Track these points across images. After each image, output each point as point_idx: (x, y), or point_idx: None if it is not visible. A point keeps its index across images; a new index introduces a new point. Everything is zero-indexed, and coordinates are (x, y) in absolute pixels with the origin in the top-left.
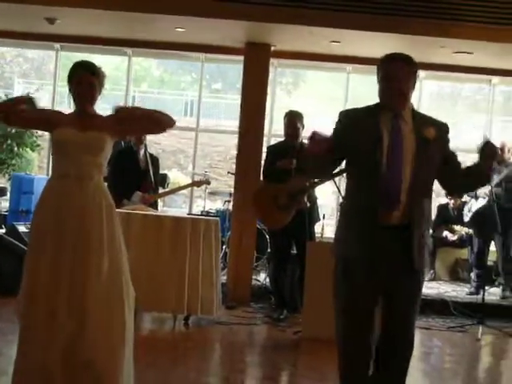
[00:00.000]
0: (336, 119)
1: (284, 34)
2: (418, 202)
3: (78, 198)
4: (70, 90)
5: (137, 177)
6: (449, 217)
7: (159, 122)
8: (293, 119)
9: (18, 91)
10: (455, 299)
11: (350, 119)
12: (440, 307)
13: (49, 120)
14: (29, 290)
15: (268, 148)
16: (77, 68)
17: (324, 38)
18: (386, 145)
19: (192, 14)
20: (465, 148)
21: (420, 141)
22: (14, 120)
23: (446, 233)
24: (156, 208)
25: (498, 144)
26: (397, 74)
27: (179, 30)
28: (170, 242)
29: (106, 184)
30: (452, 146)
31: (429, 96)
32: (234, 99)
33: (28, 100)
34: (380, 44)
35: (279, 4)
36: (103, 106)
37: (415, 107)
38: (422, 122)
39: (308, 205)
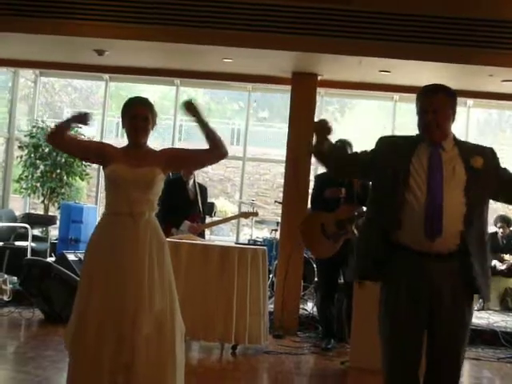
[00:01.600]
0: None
1: (331, 64)
2: (469, 230)
3: (131, 235)
4: (123, 124)
5: (186, 206)
6: (498, 245)
7: (212, 158)
8: (343, 146)
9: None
10: (505, 329)
11: (387, 144)
12: (490, 337)
13: (102, 153)
14: (80, 322)
15: (316, 177)
16: (131, 102)
17: (372, 68)
18: (423, 171)
19: (239, 45)
20: None
21: (469, 170)
22: (57, 141)
23: (494, 262)
24: (203, 237)
25: None
26: (432, 106)
27: (227, 60)
28: (218, 271)
29: (157, 220)
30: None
31: (476, 124)
32: (281, 127)
33: (83, 116)
34: (428, 73)
35: (326, 34)
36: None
37: (463, 135)
38: (468, 150)
39: (356, 234)
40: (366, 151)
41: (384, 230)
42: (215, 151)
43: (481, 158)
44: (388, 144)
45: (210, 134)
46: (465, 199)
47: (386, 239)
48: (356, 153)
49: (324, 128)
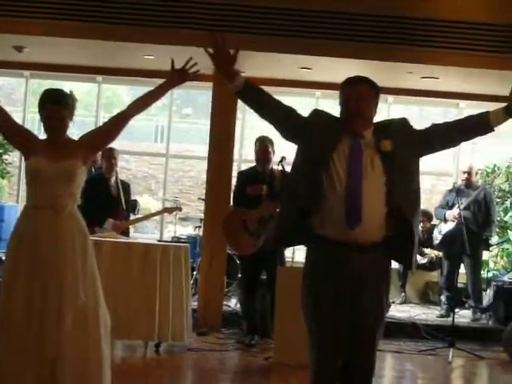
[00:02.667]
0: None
1: (253, 61)
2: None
3: (53, 228)
4: (40, 119)
5: (108, 204)
6: (418, 240)
7: (132, 115)
8: (264, 144)
9: None
10: (426, 322)
11: (320, 119)
12: (411, 330)
13: (28, 140)
14: (3, 321)
15: (238, 174)
16: (46, 100)
17: (293, 65)
18: (345, 161)
19: (160, 41)
20: (434, 171)
21: (382, 156)
22: None
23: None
24: (127, 235)
25: (465, 167)
26: (356, 95)
27: (147, 57)
28: (140, 269)
29: (79, 212)
30: (422, 169)
31: None
32: (205, 124)
33: None
34: (349, 70)
35: (247, 32)
36: (73, 132)
37: None
38: (379, 134)
39: None
40: (298, 114)
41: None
42: (140, 108)
43: (388, 141)
44: (320, 119)
45: (158, 96)
46: (385, 187)
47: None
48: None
49: (224, 57)
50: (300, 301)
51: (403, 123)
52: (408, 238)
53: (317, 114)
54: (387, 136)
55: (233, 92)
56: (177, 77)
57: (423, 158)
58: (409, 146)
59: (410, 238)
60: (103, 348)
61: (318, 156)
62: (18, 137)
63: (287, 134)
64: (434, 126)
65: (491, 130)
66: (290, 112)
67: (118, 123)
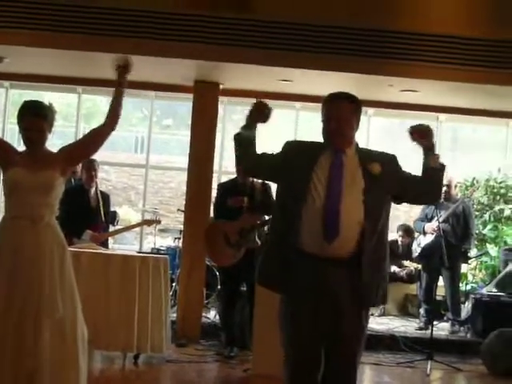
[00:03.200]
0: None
1: (232, 72)
2: (367, 236)
3: (30, 239)
4: (19, 131)
5: (87, 215)
6: (397, 252)
7: (109, 130)
8: None
9: None
10: (405, 334)
11: (293, 148)
12: (390, 343)
13: (5, 152)
14: None
15: (218, 186)
16: (24, 112)
17: (272, 77)
18: (324, 177)
19: (140, 53)
20: None
21: (367, 176)
22: None
23: (394, 268)
24: (106, 246)
25: (444, 181)
26: (336, 114)
27: None
28: (119, 280)
29: (57, 223)
30: None
31: (377, 132)
32: (185, 135)
33: None
34: (328, 82)
35: (227, 43)
36: (54, 143)
37: (364, 143)
38: (368, 157)
39: (259, 243)
40: (273, 154)
41: (286, 237)
42: (113, 122)
43: (378, 164)
44: (294, 148)
45: (119, 104)
46: (363, 205)
47: (289, 247)
48: (265, 153)
49: (262, 112)
50: (278, 314)
51: (394, 159)
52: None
53: (289, 144)
54: (375, 160)
55: (238, 132)
56: (123, 73)
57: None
58: (393, 181)
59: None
60: (80, 361)
61: (297, 186)
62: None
63: (271, 178)
64: (412, 178)
65: (442, 168)
66: (264, 160)
67: (96, 138)
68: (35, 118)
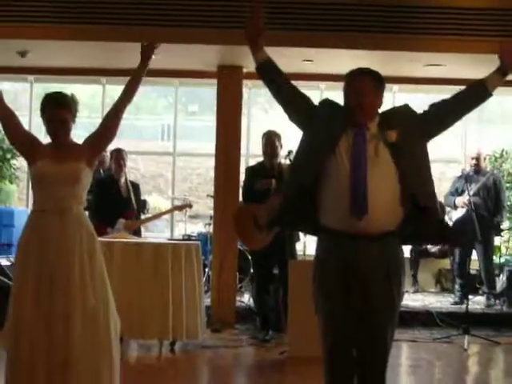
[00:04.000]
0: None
1: None
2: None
3: (59, 232)
4: (43, 123)
5: (119, 204)
6: None
7: (128, 100)
8: (271, 138)
9: None
10: (440, 310)
11: (329, 107)
12: (425, 319)
13: (32, 144)
14: (14, 325)
15: (246, 169)
16: (47, 103)
17: (295, 58)
18: (346, 151)
19: (162, 40)
20: (443, 158)
21: (389, 146)
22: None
23: None
24: (139, 234)
25: (473, 153)
26: (355, 88)
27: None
28: (152, 269)
29: (86, 214)
30: (430, 157)
31: None
32: (211, 121)
33: None
34: (351, 61)
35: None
36: (79, 133)
37: None
38: (384, 124)
39: None
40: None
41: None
42: (127, 100)
43: (393, 131)
44: (328, 109)
45: (136, 82)
46: (396, 176)
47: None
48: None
49: (255, 27)
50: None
51: (406, 110)
52: (428, 223)
53: (325, 104)
54: (391, 126)
55: (255, 65)
56: (148, 51)
57: (432, 141)
58: (414, 131)
59: (430, 221)
60: (113, 351)
61: (321, 146)
62: (24, 142)
63: (294, 117)
64: (434, 105)
65: (489, 95)
66: (302, 96)
67: (113, 118)
68: (58, 109)
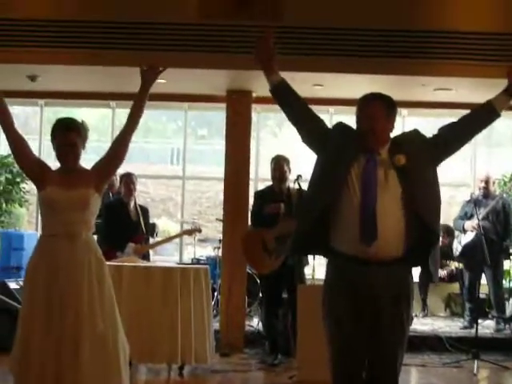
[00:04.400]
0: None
1: (264, 80)
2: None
3: (68, 257)
4: (53, 148)
5: (128, 229)
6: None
7: (133, 129)
8: (279, 163)
9: (4, 147)
10: (449, 334)
11: (342, 131)
12: (434, 343)
13: (41, 170)
14: (22, 350)
15: (255, 193)
16: (58, 128)
17: (305, 83)
18: (357, 177)
19: (171, 65)
20: (452, 182)
21: (397, 171)
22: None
23: None
24: (148, 258)
25: (482, 177)
26: (368, 113)
27: (160, 81)
28: (161, 293)
29: (95, 239)
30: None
31: None
32: (220, 144)
33: None
34: (361, 85)
35: None
36: (89, 157)
37: None
38: (394, 149)
39: None
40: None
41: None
42: (133, 127)
43: (401, 155)
44: (343, 131)
45: (140, 108)
46: (404, 200)
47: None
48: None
49: (266, 50)
50: (321, 319)
51: (415, 134)
52: (431, 245)
53: (339, 127)
54: (400, 150)
55: (269, 87)
56: (148, 75)
57: (441, 165)
58: (422, 155)
59: (433, 243)
60: (122, 375)
61: (334, 174)
62: (34, 167)
63: (308, 139)
64: (443, 129)
65: (497, 115)
66: (316, 118)
67: (121, 145)
68: (68, 133)
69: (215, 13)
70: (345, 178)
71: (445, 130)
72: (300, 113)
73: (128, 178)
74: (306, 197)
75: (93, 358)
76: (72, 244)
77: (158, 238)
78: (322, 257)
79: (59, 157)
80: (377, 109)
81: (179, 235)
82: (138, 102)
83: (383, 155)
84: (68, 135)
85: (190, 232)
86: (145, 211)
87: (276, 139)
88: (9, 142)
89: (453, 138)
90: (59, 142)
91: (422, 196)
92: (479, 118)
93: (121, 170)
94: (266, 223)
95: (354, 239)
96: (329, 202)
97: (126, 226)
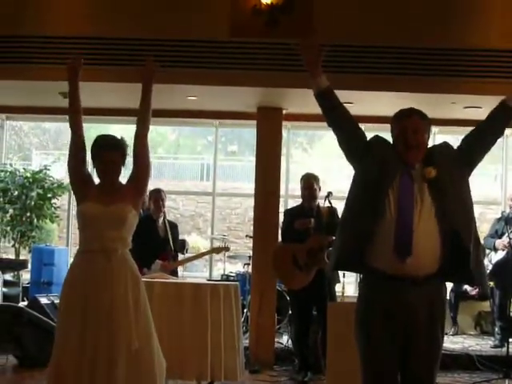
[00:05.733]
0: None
1: (295, 98)
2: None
3: (104, 274)
4: (93, 165)
5: (156, 245)
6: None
7: (146, 128)
8: (309, 181)
9: (36, 162)
10: (480, 353)
11: (382, 145)
12: (465, 362)
13: (86, 184)
14: (57, 366)
15: (285, 211)
16: (100, 146)
17: None
18: (394, 194)
19: (202, 82)
20: (482, 199)
21: (429, 184)
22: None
23: (466, 286)
24: (176, 275)
25: None
26: (413, 127)
27: (191, 98)
28: (191, 309)
29: (131, 256)
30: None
31: None
32: (251, 160)
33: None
34: (391, 103)
35: (289, 69)
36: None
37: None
38: (425, 164)
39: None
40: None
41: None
42: (146, 127)
43: (431, 167)
44: (383, 145)
45: (147, 106)
46: (437, 214)
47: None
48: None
49: (312, 50)
50: (352, 336)
51: (444, 146)
52: (465, 262)
53: (379, 141)
54: (430, 163)
55: (314, 91)
56: (146, 72)
57: (471, 182)
58: (453, 166)
59: (468, 260)
60: None
61: (377, 194)
62: (81, 178)
63: (347, 146)
64: (467, 137)
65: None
66: (357, 125)
67: (140, 147)
68: (110, 151)
69: (246, 31)
70: (384, 199)
71: (469, 137)
72: (343, 117)
73: (157, 194)
74: (346, 215)
75: (128, 377)
76: (108, 260)
77: (189, 254)
78: (352, 274)
79: (100, 173)
80: (420, 123)
81: (208, 253)
82: (142, 104)
83: (417, 169)
84: (111, 153)
85: (218, 250)
86: (174, 227)
87: (307, 155)
88: (71, 144)
89: (476, 146)
90: (101, 159)
91: (452, 210)
92: (497, 119)
93: (150, 187)
94: (296, 239)
95: (388, 255)
96: (370, 227)
97: (153, 242)
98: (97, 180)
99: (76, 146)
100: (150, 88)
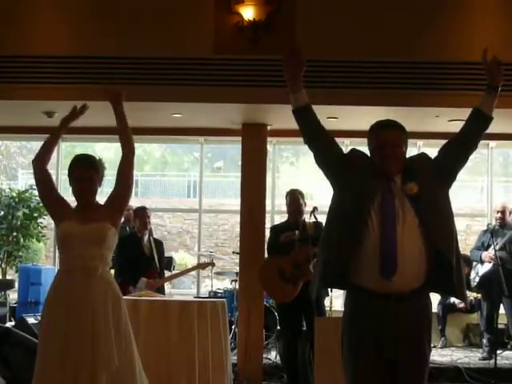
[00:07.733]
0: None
1: (279, 114)
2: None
3: (84, 293)
4: (70, 184)
5: (141, 263)
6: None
7: (129, 157)
8: (294, 196)
9: (22, 182)
10: (468, 365)
11: (359, 158)
12: (453, 374)
13: (61, 204)
14: None
15: (271, 228)
16: (76, 164)
17: (320, 115)
18: (375, 211)
19: (187, 100)
20: (468, 212)
21: (411, 201)
22: (43, 162)
23: (453, 299)
24: (163, 292)
25: (499, 207)
26: (391, 140)
27: (176, 115)
28: (178, 327)
29: (112, 274)
30: (455, 210)
31: None
32: (237, 177)
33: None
34: (376, 117)
35: (272, 85)
36: (106, 191)
37: None
38: (405, 178)
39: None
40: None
41: (342, 251)
42: (131, 147)
43: (412, 183)
44: (359, 160)
45: (125, 128)
46: (420, 230)
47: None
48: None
49: (296, 60)
50: (339, 353)
51: (424, 158)
52: (448, 275)
53: (355, 154)
54: (410, 177)
55: (293, 107)
56: (113, 96)
57: (457, 195)
58: (433, 180)
59: (451, 273)
60: None
61: (358, 205)
62: (54, 203)
63: (324, 162)
64: (443, 147)
65: (490, 118)
66: (334, 142)
67: (126, 173)
68: (86, 169)
69: (230, 47)
70: (366, 217)
71: (445, 148)
72: (320, 135)
73: (143, 212)
74: (327, 233)
75: None
76: (88, 279)
77: (175, 271)
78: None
79: (76, 192)
80: (397, 134)
81: (193, 269)
82: (118, 125)
83: (397, 183)
84: (86, 171)
85: (203, 266)
86: (159, 244)
87: (293, 168)
88: (36, 175)
89: (453, 157)
90: (76, 177)
91: (435, 226)
92: (473, 126)
93: (137, 204)
94: (281, 253)
95: (373, 273)
96: (352, 248)
97: (138, 260)
98: (72, 202)
99: (41, 182)
100: (122, 110)
